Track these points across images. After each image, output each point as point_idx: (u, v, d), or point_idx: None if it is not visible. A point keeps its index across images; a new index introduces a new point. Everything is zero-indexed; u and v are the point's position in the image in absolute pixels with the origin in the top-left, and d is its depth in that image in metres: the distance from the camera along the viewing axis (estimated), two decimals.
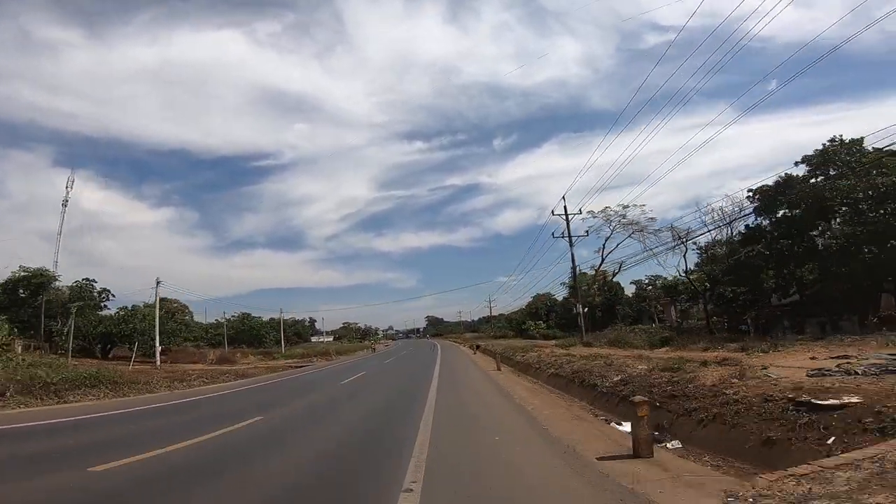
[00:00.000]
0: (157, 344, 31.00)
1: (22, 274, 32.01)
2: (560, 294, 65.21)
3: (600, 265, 46.32)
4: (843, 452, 4.36)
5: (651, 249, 36.31)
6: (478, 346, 44.01)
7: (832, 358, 9.63)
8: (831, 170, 22.00)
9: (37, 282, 32.27)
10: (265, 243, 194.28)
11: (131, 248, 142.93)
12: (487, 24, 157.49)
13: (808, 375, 7.55)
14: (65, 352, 28.03)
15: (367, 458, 6.57)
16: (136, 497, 4.96)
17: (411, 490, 4.68)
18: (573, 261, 32.45)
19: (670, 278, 48.02)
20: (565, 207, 32.17)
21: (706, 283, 32.69)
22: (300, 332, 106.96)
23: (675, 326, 38.99)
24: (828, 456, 4.43)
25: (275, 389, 18.00)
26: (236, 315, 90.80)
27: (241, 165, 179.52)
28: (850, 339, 13.57)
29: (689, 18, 53.09)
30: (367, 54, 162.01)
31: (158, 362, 30.84)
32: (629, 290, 56.03)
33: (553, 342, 35.07)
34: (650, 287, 52.63)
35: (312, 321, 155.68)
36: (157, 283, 32.08)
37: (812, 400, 5.74)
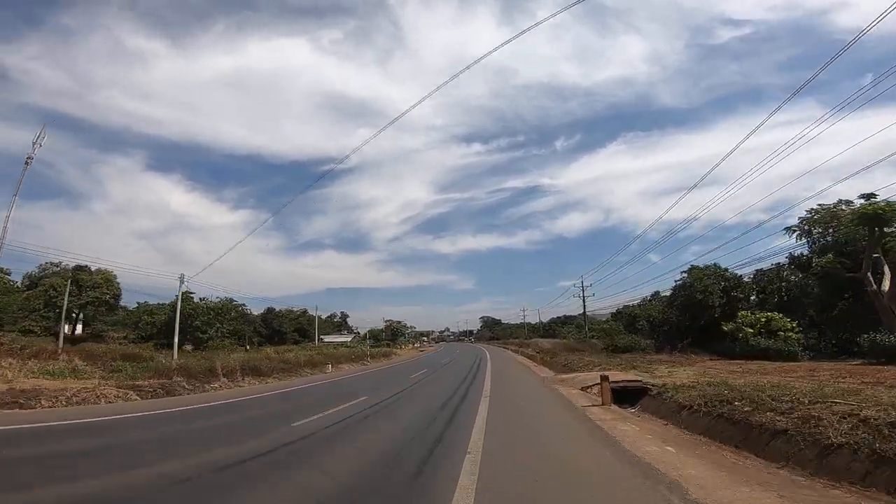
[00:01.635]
0: None
1: None
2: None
3: None
4: None
5: None
6: None
7: None
8: None
9: None
10: (333, 245, 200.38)
11: (214, 248, 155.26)
12: (543, 25, 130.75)
13: None
14: None
15: None
16: None
17: None
18: None
19: None
20: None
21: None
22: (304, 329, 78.66)
23: None
24: None
25: None
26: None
27: (309, 170, 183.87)
28: None
29: None
30: (424, 58, 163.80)
31: None
32: None
33: None
34: None
35: (345, 316, 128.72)
36: None
37: None
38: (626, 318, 42.93)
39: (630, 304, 49.49)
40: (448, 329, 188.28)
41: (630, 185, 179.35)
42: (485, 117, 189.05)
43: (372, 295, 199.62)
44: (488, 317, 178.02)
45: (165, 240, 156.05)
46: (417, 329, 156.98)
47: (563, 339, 60.38)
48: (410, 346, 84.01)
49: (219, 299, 75.28)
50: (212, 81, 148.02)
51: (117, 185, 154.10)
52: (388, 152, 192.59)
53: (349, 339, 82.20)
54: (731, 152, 32.62)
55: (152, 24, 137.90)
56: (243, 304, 79.25)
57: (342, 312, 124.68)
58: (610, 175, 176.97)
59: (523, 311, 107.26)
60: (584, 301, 53.04)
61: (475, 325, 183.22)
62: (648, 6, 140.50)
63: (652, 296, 47.16)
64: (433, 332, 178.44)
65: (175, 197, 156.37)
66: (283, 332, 75.63)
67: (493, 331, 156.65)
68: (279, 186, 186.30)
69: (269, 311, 79.01)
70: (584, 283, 51.26)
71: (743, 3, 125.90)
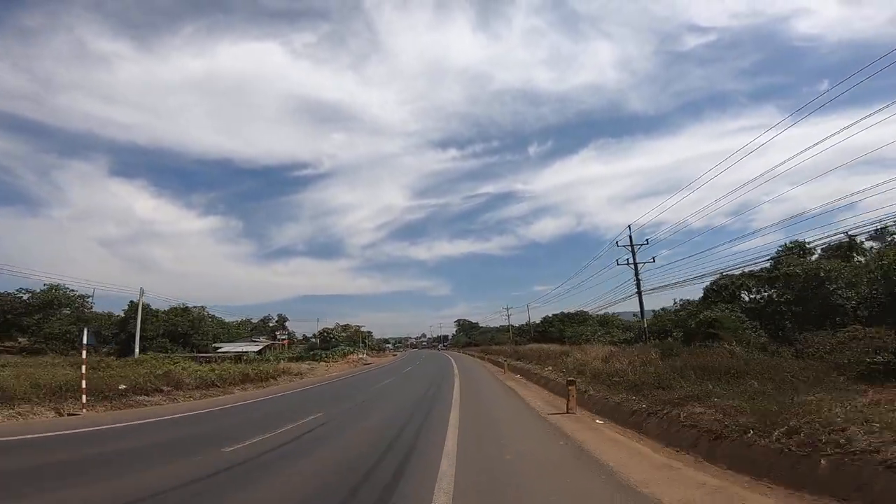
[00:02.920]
0: None
1: None
2: None
3: None
4: None
5: None
6: None
7: None
8: None
9: None
10: (305, 251, 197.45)
11: (181, 256, 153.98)
12: (518, 30, 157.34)
13: None
14: None
15: None
16: None
17: None
18: None
19: None
20: None
21: None
22: (185, 333, 51.71)
23: None
24: None
25: None
26: None
27: (282, 175, 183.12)
28: None
29: None
30: (400, 63, 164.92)
31: None
32: None
33: None
34: None
35: (283, 320, 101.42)
36: None
37: None
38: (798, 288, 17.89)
39: (731, 271, 24.93)
40: (424, 335, 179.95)
41: (601, 190, 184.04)
42: (460, 123, 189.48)
43: (347, 302, 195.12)
44: (464, 320, 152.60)
45: (130, 247, 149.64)
46: (382, 336, 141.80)
47: (585, 342, 35.40)
48: (353, 356, 58.16)
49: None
50: (181, 85, 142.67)
51: (79, 190, 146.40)
52: (363, 157, 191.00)
53: (257, 349, 55.52)
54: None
55: (118, 26, 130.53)
56: (86, 296, 52.39)
57: (279, 315, 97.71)
58: (582, 181, 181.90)
59: (507, 309, 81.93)
60: (636, 269, 28.63)
61: (451, 329, 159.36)
62: (619, 12, 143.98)
63: (789, 248, 23.02)
64: (409, 337, 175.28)
65: (140, 203, 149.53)
66: (147, 336, 49.00)
67: (470, 335, 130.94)
68: (250, 192, 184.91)
69: (134, 307, 51.73)
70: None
71: (709, 10, 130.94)
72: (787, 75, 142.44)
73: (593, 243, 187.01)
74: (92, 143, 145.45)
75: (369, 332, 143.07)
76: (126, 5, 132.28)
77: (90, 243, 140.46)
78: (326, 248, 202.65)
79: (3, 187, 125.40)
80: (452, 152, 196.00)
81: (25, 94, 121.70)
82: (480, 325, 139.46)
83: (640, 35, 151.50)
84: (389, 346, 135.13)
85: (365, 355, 59.64)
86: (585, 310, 60.87)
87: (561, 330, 55.33)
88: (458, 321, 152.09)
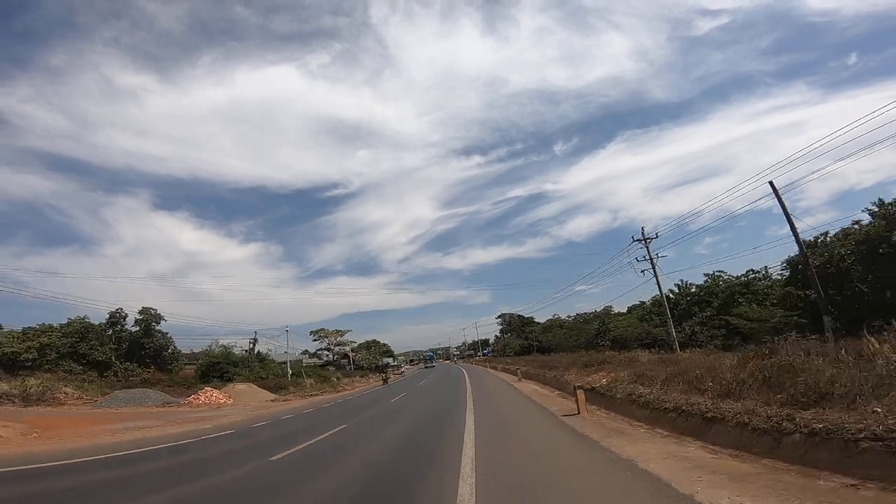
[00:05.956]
0: None
1: None
2: None
3: None
4: None
5: None
6: None
7: None
8: None
9: None
10: (344, 270, 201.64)
11: (229, 284, 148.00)
12: (526, 31, 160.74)
13: None
14: None
15: None
16: None
17: None
18: None
19: None
20: None
21: None
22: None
23: None
24: None
25: None
26: None
27: (313, 197, 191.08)
28: None
29: None
30: (413, 75, 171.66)
31: None
32: None
33: None
34: None
35: (149, 316, 54.79)
36: None
37: None
38: None
39: None
40: (464, 343, 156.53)
41: (634, 182, 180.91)
42: (481, 129, 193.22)
43: (388, 317, 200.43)
44: (512, 314, 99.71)
45: (181, 279, 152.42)
46: (427, 347, 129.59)
47: None
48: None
49: None
50: (207, 114, 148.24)
51: (127, 226, 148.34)
52: (389, 173, 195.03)
53: None
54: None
55: (139, 59, 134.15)
56: None
57: (148, 307, 49.90)
58: (612, 175, 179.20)
59: (646, 240, 29.03)
60: None
61: (494, 331, 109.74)
62: (626, 2, 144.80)
63: None
64: (450, 347, 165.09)
65: (185, 235, 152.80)
66: None
67: (524, 335, 79.46)
68: (285, 216, 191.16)
69: None
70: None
71: None
72: (811, 52, 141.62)
73: (632, 237, 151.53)
74: (132, 178, 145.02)
75: (373, 342, 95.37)
76: (141, 39, 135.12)
77: (143, 278, 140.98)
78: (364, 266, 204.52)
79: (58, 228, 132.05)
80: (476, 159, 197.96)
81: (64, 133, 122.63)
82: (536, 321, 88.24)
83: (651, 23, 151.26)
84: (391, 360, 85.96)
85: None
86: None
87: None
88: (503, 316, 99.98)
